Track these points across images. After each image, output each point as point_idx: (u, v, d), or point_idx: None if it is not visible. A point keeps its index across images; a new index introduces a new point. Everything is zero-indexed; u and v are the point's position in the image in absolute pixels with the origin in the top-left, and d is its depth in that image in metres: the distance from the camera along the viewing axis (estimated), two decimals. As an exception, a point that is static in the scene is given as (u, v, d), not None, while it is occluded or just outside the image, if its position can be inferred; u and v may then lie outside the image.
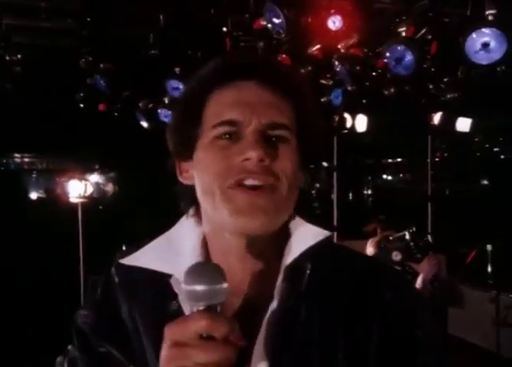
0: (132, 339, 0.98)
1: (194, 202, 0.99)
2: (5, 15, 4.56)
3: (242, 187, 0.89)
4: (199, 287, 0.77)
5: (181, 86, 4.36)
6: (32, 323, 5.74)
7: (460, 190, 11.04)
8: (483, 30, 2.80)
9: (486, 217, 7.80)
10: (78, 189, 5.32)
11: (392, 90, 4.04)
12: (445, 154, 10.78)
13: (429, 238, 3.76)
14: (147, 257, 1.01)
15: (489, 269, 5.10)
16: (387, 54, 3.35)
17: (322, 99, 4.50)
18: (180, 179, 1.02)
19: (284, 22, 3.15)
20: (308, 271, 0.95)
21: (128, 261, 1.02)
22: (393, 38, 3.38)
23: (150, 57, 4.49)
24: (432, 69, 4.73)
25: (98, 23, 4.42)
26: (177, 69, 4.36)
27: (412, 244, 3.67)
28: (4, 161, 12.00)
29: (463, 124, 5.67)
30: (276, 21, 3.24)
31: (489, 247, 5.10)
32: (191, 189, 0.98)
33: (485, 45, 2.81)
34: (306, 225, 1.02)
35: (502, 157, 12.06)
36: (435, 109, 5.59)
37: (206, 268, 0.82)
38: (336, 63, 3.65)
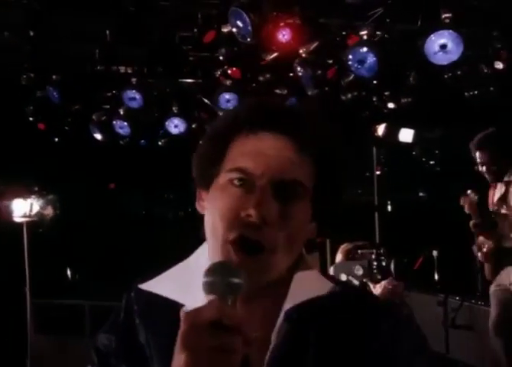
0: (149, 364, 1.02)
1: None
2: None
3: (239, 247, 0.93)
4: (215, 279, 0.84)
5: (138, 96, 4.34)
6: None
7: (401, 202, 11.36)
8: (440, 32, 2.95)
9: (428, 226, 8.06)
10: (23, 208, 5.14)
11: (349, 95, 4.15)
12: (385, 169, 11.11)
13: (392, 263, 3.83)
14: (164, 284, 1.06)
15: (436, 274, 5.26)
16: (350, 57, 3.45)
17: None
18: (197, 206, 1.05)
19: (250, 26, 3.19)
20: (307, 318, 0.97)
21: (146, 286, 1.07)
22: (355, 41, 3.47)
23: (97, 72, 4.43)
24: (374, 82, 4.90)
25: (42, 37, 4.32)
26: (134, 80, 4.33)
27: (375, 263, 3.73)
28: None
29: (406, 135, 5.88)
30: (241, 25, 3.29)
31: (435, 253, 5.27)
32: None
33: (443, 46, 2.95)
34: (313, 274, 1.04)
35: (438, 169, 12.54)
36: (378, 121, 5.77)
37: (225, 265, 0.89)
38: (298, 67, 3.72)
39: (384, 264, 3.77)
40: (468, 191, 4.01)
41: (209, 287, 0.84)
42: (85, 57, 4.42)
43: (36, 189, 12.55)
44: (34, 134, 6.83)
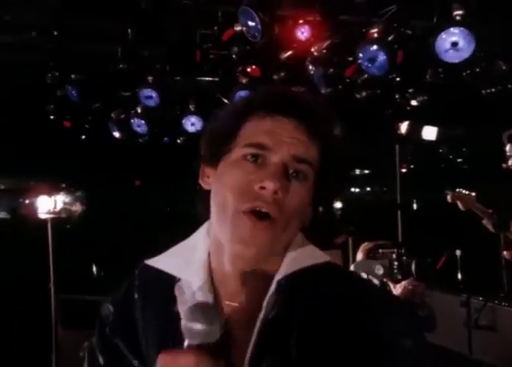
0: (141, 338, 1.08)
1: (207, 207, 1.08)
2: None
3: (252, 215, 0.98)
4: (196, 326, 0.87)
5: (154, 95, 4.36)
6: (3, 344, 5.58)
7: (427, 200, 11.23)
8: (451, 29, 2.90)
9: (453, 225, 7.94)
10: (47, 204, 5.23)
11: (364, 94, 4.11)
12: (411, 166, 10.99)
13: (414, 263, 3.79)
14: (165, 261, 1.13)
15: (459, 274, 5.18)
16: (360, 55, 3.41)
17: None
18: (200, 182, 1.11)
19: (260, 25, 3.19)
20: (297, 288, 1.03)
21: (150, 262, 1.14)
22: (366, 39, 3.43)
23: (119, 71, 4.48)
24: (398, 79, 4.85)
25: (65, 37, 4.39)
26: (150, 78, 4.36)
27: (396, 263, 3.70)
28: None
29: (429, 132, 5.79)
30: (251, 24, 3.29)
31: (458, 252, 5.19)
32: (207, 194, 1.08)
33: (454, 44, 2.90)
34: (308, 245, 1.10)
35: (465, 167, 12.37)
36: (401, 118, 5.70)
37: (205, 310, 0.92)
38: (310, 66, 3.70)
39: (404, 264, 3.74)
40: (457, 189, 3.92)
41: (187, 333, 0.88)
42: (106, 56, 4.47)
43: (63, 185, 12.80)
44: (60, 133, 6.94)
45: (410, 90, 5.00)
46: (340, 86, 3.90)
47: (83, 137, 7.90)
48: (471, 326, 4.70)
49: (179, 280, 1.08)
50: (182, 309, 1.03)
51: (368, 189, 15.50)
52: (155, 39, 4.07)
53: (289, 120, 1.03)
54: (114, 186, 10.86)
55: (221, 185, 1.03)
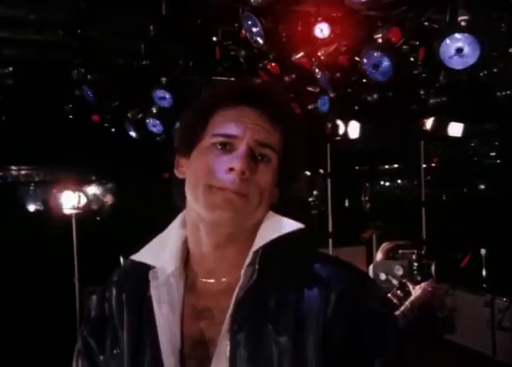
0: (111, 333, 1.19)
1: (182, 195, 1.19)
2: (-4, 28, 4.57)
3: (222, 189, 1.08)
4: None
5: (168, 96, 4.37)
6: (28, 335, 5.72)
7: (456, 195, 11.02)
8: (456, 35, 2.83)
9: (481, 222, 7.79)
10: (71, 200, 5.32)
11: (375, 96, 4.05)
12: (441, 160, 10.78)
13: (434, 264, 3.74)
14: (143, 253, 1.22)
15: (483, 273, 5.09)
16: (364, 60, 3.35)
17: (309, 107, 4.53)
18: (176, 172, 1.21)
19: (262, 30, 3.18)
20: (272, 258, 1.10)
21: (133, 257, 1.23)
22: (369, 45, 3.37)
23: (141, 68, 4.50)
24: (424, 75, 4.75)
25: (88, 34, 4.44)
26: (164, 79, 4.38)
27: (416, 264, 3.66)
28: (1, 174, 11.98)
29: (455, 129, 5.68)
30: (254, 29, 3.27)
31: (483, 251, 5.09)
32: (182, 183, 1.18)
33: (459, 50, 2.83)
34: (280, 218, 1.18)
35: (498, 161, 12.06)
36: (427, 114, 5.60)
37: None
38: (317, 70, 3.66)
39: (425, 265, 3.69)
40: None
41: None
42: (129, 53, 4.50)
43: (93, 178, 12.98)
44: (90, 126, 7.04)
45: (436, 85, 4.91)
46: (349, 90, 3.85)
47: (113, 130, 7.97)
48: (495, 326, 4.62)
49: (153, 267, 1.17)
50: (154, 293, 1.14)
51: (399, 181, 15.29)
52: (176, 36, 4.08)
53: (252, 109, 1.14)
54: (143, 179, 10.96)
55: (193, 170, 1.14)
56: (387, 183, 15.02)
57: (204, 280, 1.16)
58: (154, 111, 4.94)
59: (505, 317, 4.60)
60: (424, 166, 7.57)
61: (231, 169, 1.08)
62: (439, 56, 2.88)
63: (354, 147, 8.09)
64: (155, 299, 1.14)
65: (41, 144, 9.08)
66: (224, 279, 1.15)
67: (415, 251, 3.70)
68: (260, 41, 3.32)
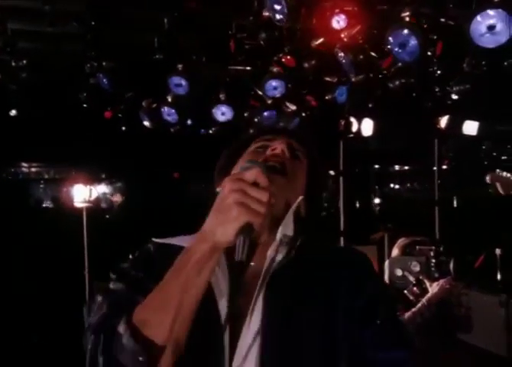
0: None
1: None
2: (11, 20, 4.57)
3: (267, 168, 1.17)
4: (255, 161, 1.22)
5: (184, 83, 4.34)
6: (37, 329, 5.70)
7: (468, 198, 10.94)
8: (488, 11, 2.75)
9: (494, 223, 7.71)
10: (83, 193, 5.30)
11: (397, 83, 3.98)
12: (453, 163, 10.71)
13: (452, 262, 3.67)
14: (177, 240, 1.30)
15: (498, 273, 5.02)
16: (390, 39, 3.28)
17: (327, 97, 4.49)
18: (218, 189, 1.32)
19: (285, 8, 3.14)
20: (297, 243, 1.27)
21: (163, 240, 1.34)
22: (396, 23, 3.30)
23: (155, 61, 4.48)
24: (439, 72, 4.69)
25: (102, 26, 4.42)
26: (180, 66, 4.34)
27: (433, 261, 3.59)
28: (12, 171, 12.03)
29: (470, 127, 5.61)
30: (277, 7, 3.23)
31: (498, 251, 5.02)
32: None
33: (491, 28, 2.75)
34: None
35: (510, 164, 11.96)
36: (441, 112, 5.54)
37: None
38: (340, 53, 3.60)
39: (443, 262, 3.61)
40: (498, 170, 3.73)
41: (249, 163, 1.15)
42: (143, 46, 4.47)
43: (103, 176, 13.00)
44: (101, 124, 7.03)
45: (451, 83, 4.84)
46: (371, 74, 3.79)
47: (123, 128, 7.97)
48: (511, 326, 4.55)
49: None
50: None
51: (408, 185, 15.22)
52: (191, 29, 4.05)
53: (282, 135, 1.38)
54: (153, 178, 10.96)
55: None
56: (397, 186, 14.95)
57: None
58: (170, 99, 4.90)
59: (521, 317, 4.53)
60: (435, 168, 7.49)
61: (273, 149, 1.30)
62: (469, 35, 2.80)
63: (367, 147, 8.04)
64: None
65: (52, 142, 9.11)
66: (256, 263, 1.26)
67: (433, 247, 3.63)
68: (283, 19, 3.25)
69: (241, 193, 1.04)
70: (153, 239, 1.36)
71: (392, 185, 14.63)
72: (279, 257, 1.23)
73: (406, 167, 13.05)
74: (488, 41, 2.81)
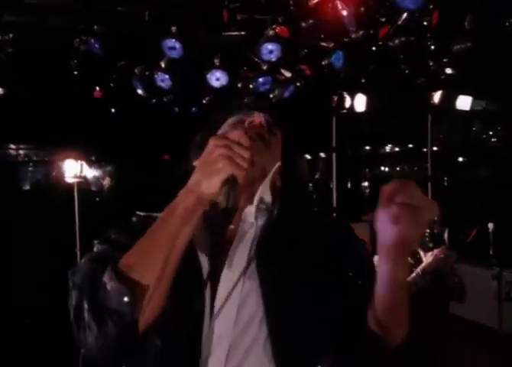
0: None
1: None
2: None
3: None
4: (237, 119, 1.40)
5: (178, 45, 4.25)
6: (29, 309, 5.66)
7: (459, 178, 10.99)
8: None
9: (484, 200, 7.75)
10: (74, 168, 5.24)
11: (396, 41, 3.93)
12: (443, 144, 10.71)
13: (446, 232, 3.65)
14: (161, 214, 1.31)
15: (491, 247, 5.04)
16: None
17: (323, 62, 4.43)
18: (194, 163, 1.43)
19: None
20: (275, 210, 1.34)
21: (148, 214, 1.39)
22: None
23: (148, 28, 4.38)
24: (432, 47, 4.65)
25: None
26: (174, 28, 4.26)
27: (427, 231, 3.58)
28: (0, 152, 11.89)
29: (464, 102, 5.60)
30: None
31: (491, 225, 5.04)
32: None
33: None
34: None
35: (498, 145, 12.00)
36: (435, 87, 5.51)
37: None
38: (340, 6, 3.54)
39: (437, 232, 3.61)
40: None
41: (232, 124, 1.35)
42: (134, 18, 4.37)
43: (93, 159, 12.90)
44: (90, 105, 6.92)
45: (445, 60, 4.80)
46: (371, 31, 3.74)
47: (113, 110, 7.87)
48: (502, 299, 4.58)
49: None
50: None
51: (398, 168, 15.26)
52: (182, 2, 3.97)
53: (255, 111, 1.42)
54: (142, 161, 10.90)
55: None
56: (387, 169, 14.98)
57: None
58: (163, 65, 4.80)
59: (513, 289, 4.56)
60: (426, 149, 7.50)
61: (251, 122, 1.34)
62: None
63: (358, 127, 8.01)
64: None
65: (41, 124, 8.98)
66: (232, 226, 1.33)
67: None
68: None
69: (226, 148, 1.09)
70: (138, 212, 1.41)
71: (382, 168, 14.65)
72: (260, 221, 1.30)
73: (397, 149, 13.05)
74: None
